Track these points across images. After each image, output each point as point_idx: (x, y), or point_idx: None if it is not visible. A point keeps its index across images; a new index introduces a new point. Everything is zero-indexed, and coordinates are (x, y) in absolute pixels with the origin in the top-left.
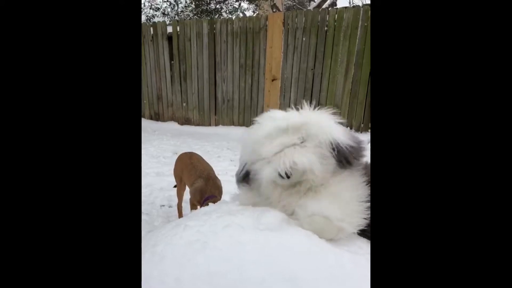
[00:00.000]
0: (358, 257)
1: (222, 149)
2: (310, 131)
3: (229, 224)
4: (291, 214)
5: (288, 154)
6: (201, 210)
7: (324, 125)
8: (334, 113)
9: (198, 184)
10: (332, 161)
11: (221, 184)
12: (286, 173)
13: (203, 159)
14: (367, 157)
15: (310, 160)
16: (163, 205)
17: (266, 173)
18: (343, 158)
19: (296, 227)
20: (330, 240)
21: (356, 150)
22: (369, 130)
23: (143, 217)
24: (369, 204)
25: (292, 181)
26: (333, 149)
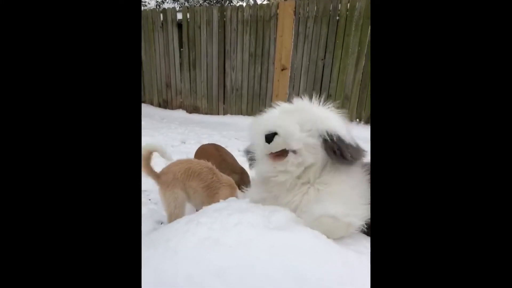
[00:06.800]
0: (365, 257)
1: (230, 138)
2: (304, 117)
3: (239, 222)
4: (294, 210)
5: (277, 119)
6: (212, 206)
7: (320, 115)
8: (338, 107)
9: (234, 179)
10: (320, 151)
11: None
12: (268, 135)
13: (228, 151)
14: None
15: (293, 129)
16: None
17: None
18: (338, 150)
19: (304, 227)
20: (339, 238)
21: (354, 149)
22: None
23: (151, 206)
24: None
25: (273, 148)
26: (325, 140)
